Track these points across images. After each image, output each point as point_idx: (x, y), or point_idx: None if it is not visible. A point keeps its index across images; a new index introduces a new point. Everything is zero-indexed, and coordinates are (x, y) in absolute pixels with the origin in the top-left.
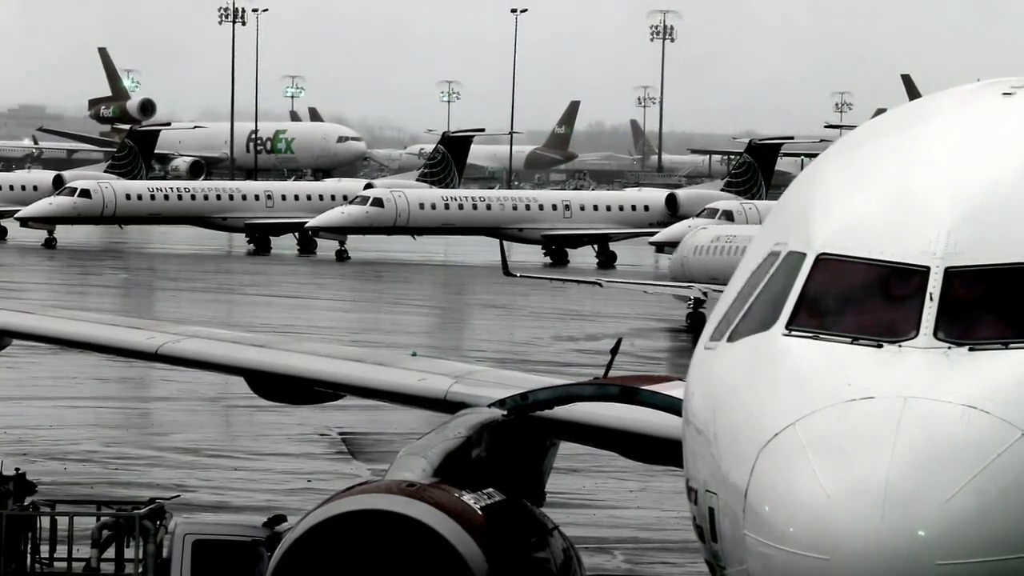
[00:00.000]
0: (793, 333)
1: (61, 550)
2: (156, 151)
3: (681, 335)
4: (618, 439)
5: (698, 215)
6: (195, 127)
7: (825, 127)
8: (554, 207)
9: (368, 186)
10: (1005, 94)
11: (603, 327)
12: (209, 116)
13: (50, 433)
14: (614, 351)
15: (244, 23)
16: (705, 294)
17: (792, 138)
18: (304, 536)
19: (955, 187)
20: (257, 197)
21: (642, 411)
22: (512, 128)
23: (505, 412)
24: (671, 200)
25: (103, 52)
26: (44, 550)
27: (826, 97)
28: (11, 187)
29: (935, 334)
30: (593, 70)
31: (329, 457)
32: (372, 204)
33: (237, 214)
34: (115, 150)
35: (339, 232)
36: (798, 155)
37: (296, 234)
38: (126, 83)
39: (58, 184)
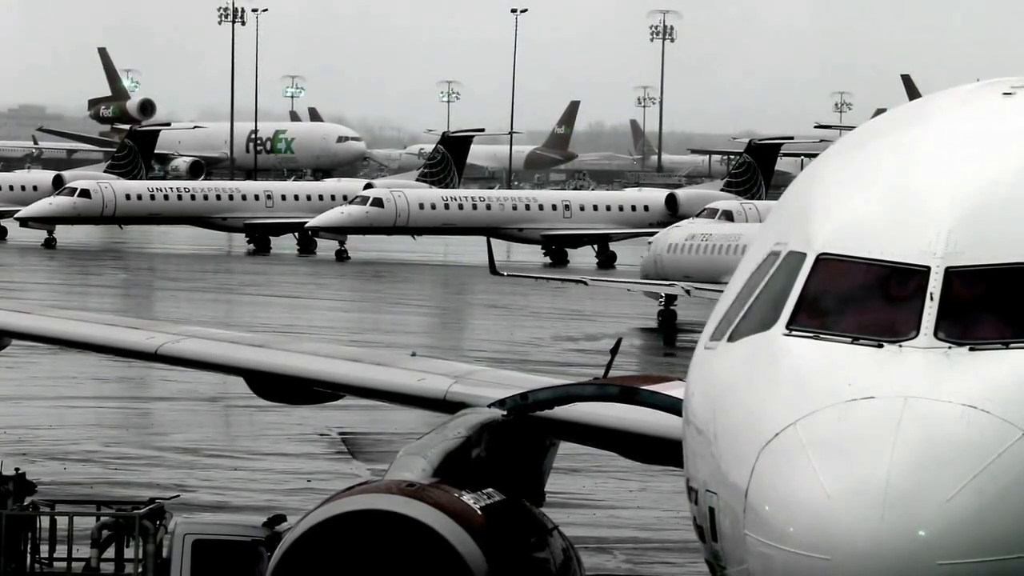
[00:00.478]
0: (793, 333)
1: (61, 550)
2: (156, 151)
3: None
4: (618, 439)
5: (698, 215)
6: (195, 127)
7: (815, 127)
8: (554, 207)
9: (368, 186)
10: (1005, 94)
11: (603, 327)
12: (209, 116)
13: (50, 433)
14: (614, 351)
15: (244, 23)
16: (688, 291)
17: (792, 138)
18: (304, 536)
19: (955, 187)
20: (257, 197)
21: (642, 411)
22: (512, 128)
23: (505, 412)
24: (671, 200)
25: (103, 52)
26: (44, 550)
27: (826, 97)
28: (11, 187)
29: (935, 334)
30: (593, 70)
31: (329, 457)
32: (372, 204)
33: (237, 214)
34: (115, 150)
35: (339, 232)
36: (798, 155)
37: (296, 234)
38: (126, 83)
39: (58, 184)
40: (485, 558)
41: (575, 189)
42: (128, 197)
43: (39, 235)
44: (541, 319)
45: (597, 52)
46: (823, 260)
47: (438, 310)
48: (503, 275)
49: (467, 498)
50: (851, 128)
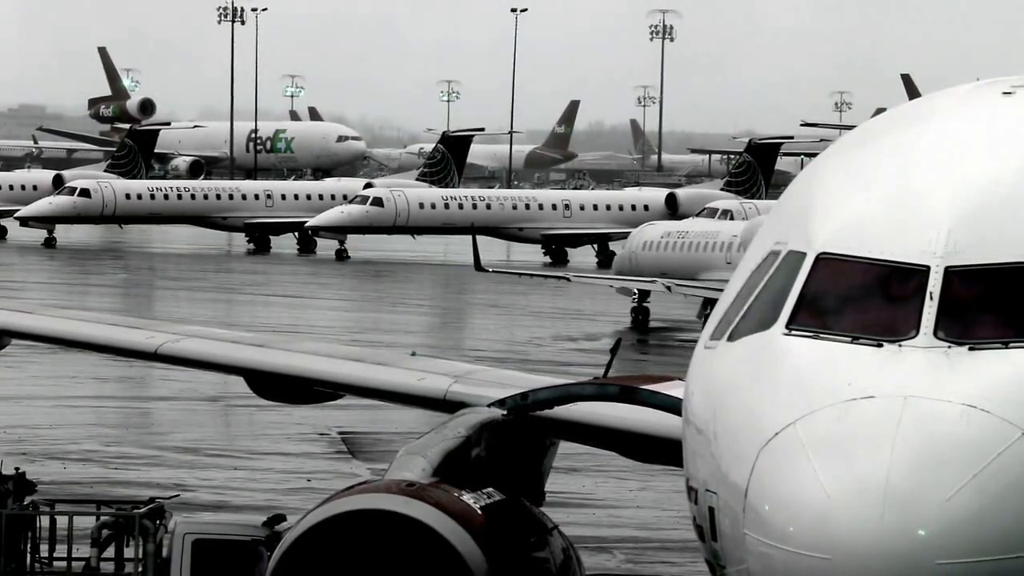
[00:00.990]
0: (793, 332)
1: (61, 550)
2: (156, 151)
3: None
4: (618, 439)
5: (698, 214)
6: (195, 127)
7: (801, 125)
8: (554, 207)
9: (368, 185)
10: (1005, 94)
11: (603, 327)
12: (209, 116)
13: (50, 433)
14: (614, 351)
15: (244, 23)
16: (669, 288)
17: (792, 138)
18: (304, 536)
19: (955, 186)
20: (257, 197)
21: (642, 411)
22: (512, 128)
23: (505, 412)
24: (671, 200)
25: (103, 52)
26: (44, 549)
27: (826, 97)
28: (11, 187)
29: (935, 333)
30: (593, 70)
31: (329, 457)
32: (372, 204)
33: (237, 214)
34: (115, 150)
35: (339, 232)
36: (798, 155)
37: (296, 234)
38: (126, 83)
39: (58, 184)
40: (485, 558)
41: (575, 189)
42: (128, 197)
43: (39, 235)
44: (541, 319)
45: (597, 52)
46: (823, 259)
47: (438, 310)
48: (488, 271)
49: (467, 498)
50: (840, 126)
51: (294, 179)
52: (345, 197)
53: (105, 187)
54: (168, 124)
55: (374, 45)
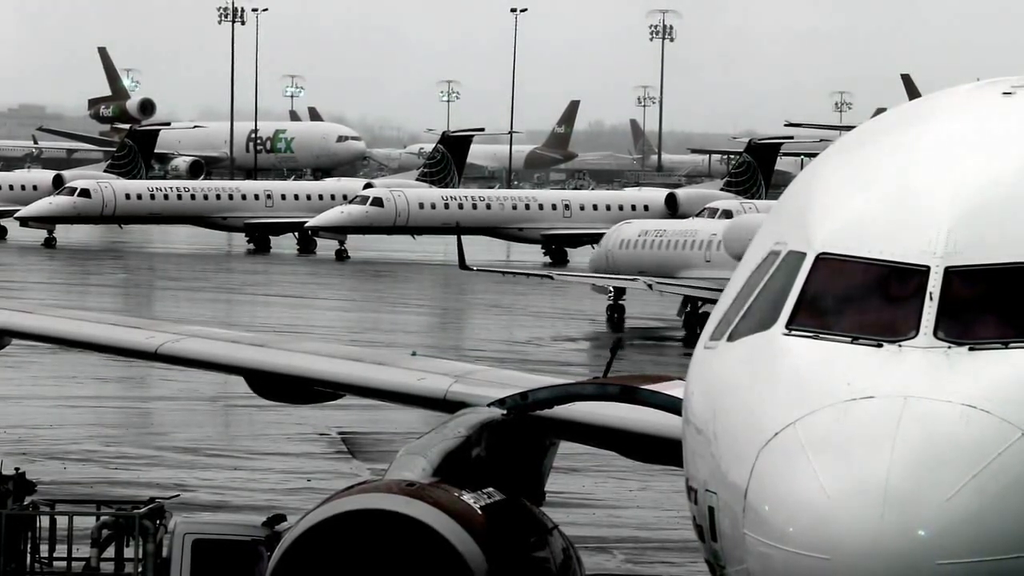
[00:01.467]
0: (793, 333)
1: (61, 550)
2: (156, 151)
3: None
4: (618, 439)
5: (698, 215)
6: (195, 127)
7: (785, 125)
8: (554, 207)
9: (368, 186)
10: (1005, 94)
11: (601, 327)
12: (209, 116)
13: (50, 433)
14: (614, 351)
15: (244, 23)
16: (650, 286)
17: (792, 138)
18: (304, 535)
19: (955, 187)
20: (257, 197)
21: (642, 411)
22: (512, 128)
23: (505, 411)
24: (671, 200)
25: (103, 52)
26: (44, 550)
27: (826, 97)
28: (11, 187)
29: (935, 334)
30: (593, 70)
31: (329, 457)
32: (372, 204)
33: (237, 214)
34: (115, 150)
35: (339, 232)
36: (798, 155)
37: (296, 234)
38: (126, 83)
39: (58, 184)
40: (485, 558)
41: (575, 189)
42: (128, 197)
43: (39, 235)
44: (541, 319)
45: (597, 52)
46: (823, 260)
47: (438, 310)
48: (473, 270)
49: (467, 497)
50: (827, 126)
51: (294, 179)
52: (345, 197)
53: (105, 187)
54: (168, 124)
55: (374, 45)
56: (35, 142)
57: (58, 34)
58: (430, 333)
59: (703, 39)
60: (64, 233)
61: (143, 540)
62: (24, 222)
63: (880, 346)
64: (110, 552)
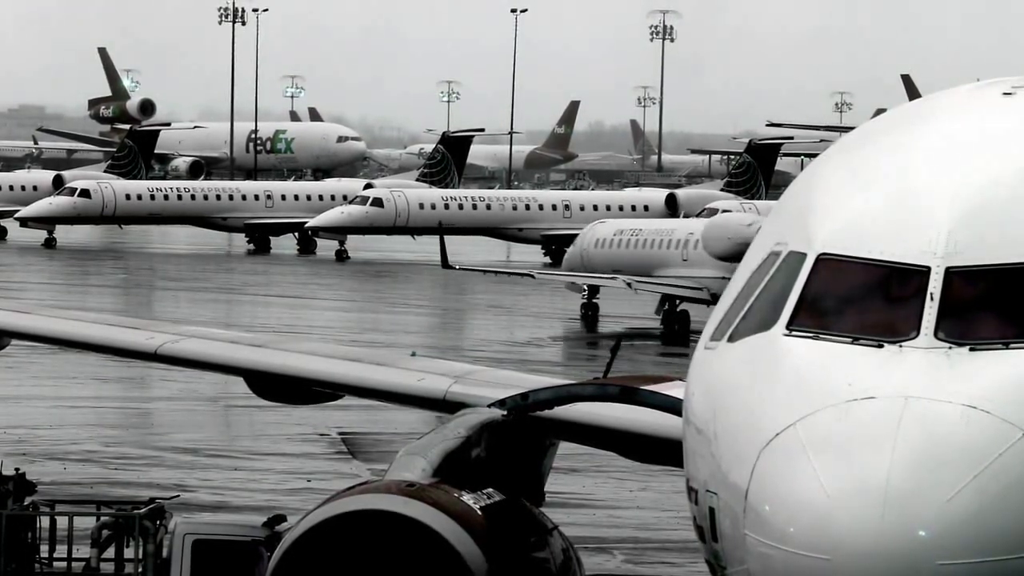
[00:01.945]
0: (794, 333)
1: (61, 550)
2: (156, 151)
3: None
4: (618, 439)
5: (698, 215)
6: (195, 127)
7: (767, 125)
8: (554, 207)
9: (368, 186)
10: (1005, 94)
11: (601, 327)
12: (209, 116)
13: (50, 433)
14: (614, 351)
15: (244, 23)
16: (630, 284)
17: (792, 138)
18: (304, 536)
19: (955, 187)
20: (257, 197)
21: (642, 411)
22: (512, 128)
23: (505, 412)
24: (671, 200)
25: (103, 52)
26: (44, 550)
27: (826, 97)
28: (11, 187)
29: (936, 334)
30: (593, 70)
31: (329, 457)
32: (372, 204)
33: (237, 214)
34: (115, 150)
35: (339, 232)
36: (798, 155)
37: (296, 234)
38: (126, 83)
39: (58, 184)
40: (485, 558)
41: (575, 189)
42: (128, 197)
43: (39, 235)
44: (541, 319)
45: (597, 52)
46: (823, 260)
47: (438, 310)
48: (455, 268)
49: (467, 498)
50: (808, 126)
51: (294, 179)
52: (345, 198)
53: (105, 187)
54: (168, 125)
55: (374, 46)
56: (35, 142)
57: (58, 34)
58: (430, 333)
59: (703, 39)
60: (64, 233)
61: (143, 540)
62: (24, 222)
63: (881, 346)
64: (110, 552)
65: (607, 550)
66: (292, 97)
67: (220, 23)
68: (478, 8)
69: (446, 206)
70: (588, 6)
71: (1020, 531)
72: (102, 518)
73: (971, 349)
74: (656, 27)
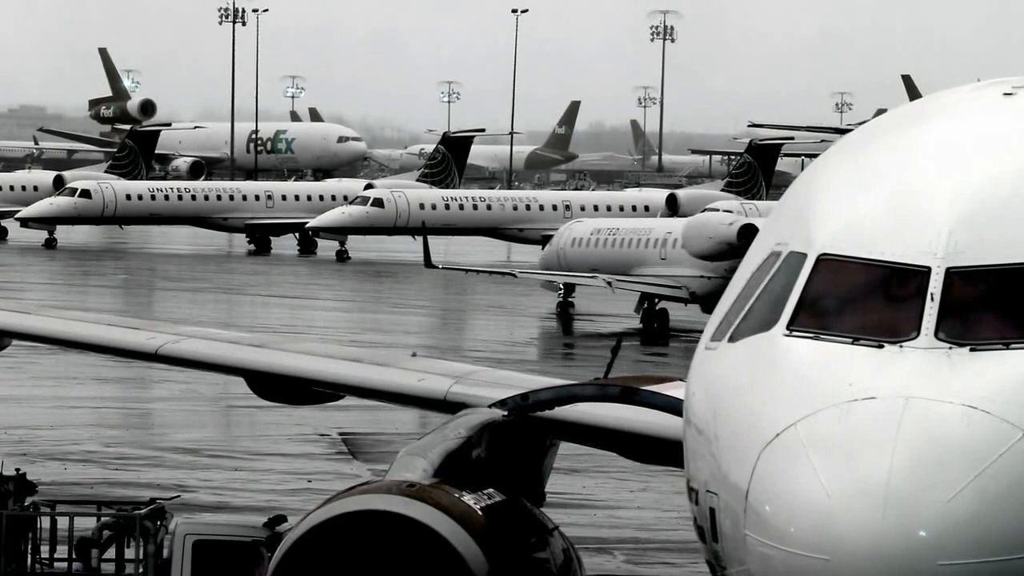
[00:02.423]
0: (794, 333)
1: (61, 550)
2: (156, 151)
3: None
4: (618, 439)
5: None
6: (195, 127)
7: (749, 126)
8: (554, 207)
9: (368, 186)
10: (1005, 94)
11: (601, 326)
12: (209, 116)
13: (50, 433)
14: (614, 351)
15: (244, 23)
16: (609, 283)
17: (792, 138)
18: (304, 536)
19: (956, 187)
20: (257, 197)
21: (642, 411)
22: (512, 128)
23: (505, 412)
24: (671, 200)
25: (103, 52)
26: (45, 550)
27: (826, 97)
28: (11, 187)
29: (936, 334)
30: (593, 70)
31: (329, 457)
32: (372, 204)
33: (237, 214)
34: (115, 150)
35: (339, 232)
36: (798, 155)
37: (296, 234)
38: (126, 83)
39: (58, 184)
40: (485, 558)
41: (575, 189)
42: (128, 197)
43: (39, 235)
44: (541, 319)
45: (597, 52)
46: (824, 260)
47: (438, 310)
48: (438, 267)
49: (468, 498)
50: (789, 127)
51: (295, 180)
52: (346, 198)
53: (106, 188)
54: (169, 125)
55: (375, 46)
56: (36, 143)
57: (58, 34)
58: (430, 334)
59: (704, 40)
60: (65, 234)
61: (144, 541)
62: (25, 223)
63: (881, 347)
64: (111, 553)
65: (607, 550)
66: (293, 97)
67: (220, 23)
68: (478, 8)
69: (446, 206)
70: (589, 6)
71: (1020, 531)
72: (102, 518)
73: (971, 349)
74: (657, 27)
